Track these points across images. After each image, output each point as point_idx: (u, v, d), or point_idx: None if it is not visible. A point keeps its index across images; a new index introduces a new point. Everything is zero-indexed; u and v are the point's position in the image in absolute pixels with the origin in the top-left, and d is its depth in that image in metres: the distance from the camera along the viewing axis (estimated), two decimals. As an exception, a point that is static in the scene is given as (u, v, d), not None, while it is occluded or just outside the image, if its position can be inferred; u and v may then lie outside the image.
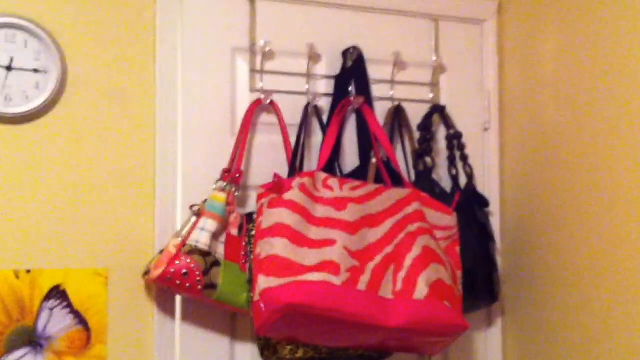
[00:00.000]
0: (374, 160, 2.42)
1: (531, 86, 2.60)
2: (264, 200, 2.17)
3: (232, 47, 2.44)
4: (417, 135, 2.60)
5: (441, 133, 2.67)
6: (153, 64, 2.35)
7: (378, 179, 2.40)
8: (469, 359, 2.73)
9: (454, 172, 2.63)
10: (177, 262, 2.16)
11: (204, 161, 2.37)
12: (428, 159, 2.57)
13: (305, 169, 2.41)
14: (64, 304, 2.21)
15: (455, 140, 2.64)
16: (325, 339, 2.17)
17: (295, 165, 2.38)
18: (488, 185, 2.73)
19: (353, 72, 2.50)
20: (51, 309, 2.20)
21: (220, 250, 2.25)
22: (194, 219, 2.25)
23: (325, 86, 2.53)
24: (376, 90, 2.55)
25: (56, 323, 2.20)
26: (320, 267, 2.04)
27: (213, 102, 2.41)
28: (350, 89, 2.48)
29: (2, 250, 2.18)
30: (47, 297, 2.20)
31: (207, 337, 2.36)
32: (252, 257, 2.19)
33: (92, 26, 2.29)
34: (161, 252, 2.21)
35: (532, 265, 2.58)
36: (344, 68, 2.51)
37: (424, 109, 2.63)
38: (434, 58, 2.66)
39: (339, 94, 2.47)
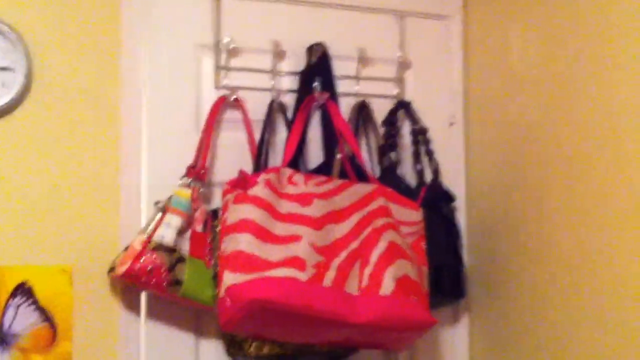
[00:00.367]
0: (339, 156, 2.42)
1: (497, 81, 2.61)
2: (229, 196, 2.17)
3: (197, 44, 2.44)
4: (382, 130, 2.60)
5: (406, 128, 2.67)
6: (118, 61, 2.35)
7: (343, 175, 2.40)
8: (435, 355, 2.73)
9: (419, 167, 2.63)
10: (142, 259, 2.16)
11: (169, 158, 2.37)
12: (393, 155, 2.57)
13: (270, 165, 2.41)
14: (30, 301, 2.20)
15: (420, 135, 2.64)
16: (291, 335, 2.18)
17: (260, 161, 2.38)
18: (454, 180, 2.73)
19: (318, 68, 2.50)
20: (17, 306, 2.19)
21: (185, 246, 2.25)
22: (159, 215, 2.25)
23: (290, 82, 2.53)
24: (341, 86, 2.55)
25: (22, 320, 2.19)
26: (286, 262, 2.05)
27: (178, 98, 2.41)
28: (315, 85, 2.47)
29: (-33, 248, 2.18)
30: (13, 295, 2.19)
31: (172, 334, 2.36)
32: (217, 253, 2.19)
33: (57, 24, 2.28)
34: (126, 248, 2.20)
35: (498, 261, 2.58)
36: (308, 64, 2.51)
37: (389, 104, 2.63)
38: (399, 54, 2.67)
39: (304, 90, 2.47)
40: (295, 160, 2.37)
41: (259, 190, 2.14)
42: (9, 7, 2.23)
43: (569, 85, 2.26)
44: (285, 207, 2.15)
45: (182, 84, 2.42)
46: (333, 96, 2.47)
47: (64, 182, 2.27)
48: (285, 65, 2.54)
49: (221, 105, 2.42)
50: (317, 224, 2.15)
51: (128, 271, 2.15)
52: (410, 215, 2.36)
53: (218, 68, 2.45)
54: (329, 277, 2.08)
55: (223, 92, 2.43)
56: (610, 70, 2.09)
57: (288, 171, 2.24)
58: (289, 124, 2.44)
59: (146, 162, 2.36)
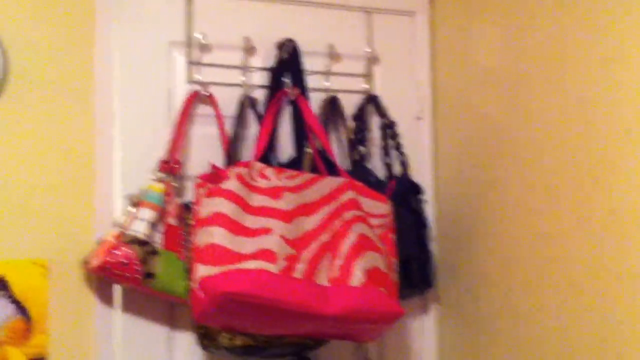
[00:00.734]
0: (309, 150, 2.45)
1: (463, 76, 2.64)
2: (201, 190, 2.19)
3: (170, 40, 2.46)
4: (351, 125, 2.63)
5: (375, 123, 2.68)
6: (91, 55, 2.36)
7: (313, 169, 2.43)
8: (405, 345, 2.76)
9: (388, 160, 2.65)
10: (116, 252, 2.17)
11: (142, 152, 2.39)
12: (363, 148, 2.60)
13: (242, 159, 2.42)
14: (5, 294, 2.20)
15: (389, 129, 2.67)
16: (263, 326, 2.19)
17: (232, 155, 2.40)
18: (422, 173, 2.75)
19: (288, 64, 2.51)
20: (-8, 300, 2.20)
21: (158, 239, 2.27)
22: (132, 209, 2.26)
23: (261, 78, 2.54)
24: (311, 82, 2.56)
25: (-3, 313, 2.21)
26: (258, 255, 2.06)
27: (151, 93, 2.43)
28: (285, 80, 2.49)
29: (-58, 242, 2.18)
30: (-12, 288, 2.20)
31: (146, 326, 2.38)
32: (190, 246, 2.20)
33: (31, 19, 2.29)
34: (100, 242, 2.21)
35: (466, 252, 2.61)
36: (279, 60, 2.52)
37: (358, 99, 2.66)
38: (368, 50, 2.69)
39: (275, 86, 2.49)
40: (266, 155, 2.39)
41: (230, 184, 2.15)
42: (-18, 4, 2.24)
43: (531, 79, 2.28)
44: (257, 200, 2.17)
45: (154, 80, 2.43)
46: (303, 91, 2.49)
47: (38, 177, 2.27)
48: (256, 61, 2.55)
49: (193, 100, 2.43)
50: (288, 217, 2.16)
51: (102, 264, 2.16)
52: (379, 207, 2.38)
53: (190, 64, 2.47)
54: (300, 269, 2.10)
55: (195, 87, 2.44)
56: (571, 64, 2.12)
57: (259, 165, 2.25)
58: (260, 119, 2.45)
59: (120, 157, 2.37)
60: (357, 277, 2.15)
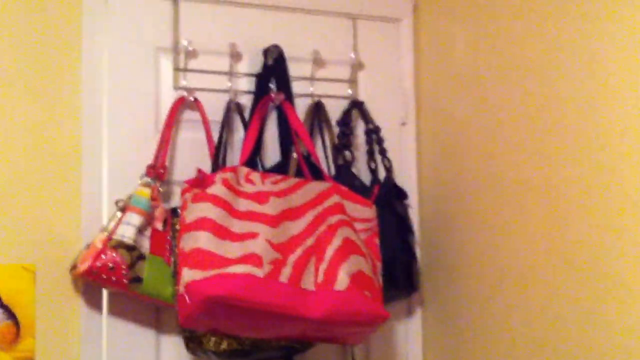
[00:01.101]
0: (294, 155, 2.46)
1: (446, 82, 2.65)
2: (187, 195, 2.19)
3: (156, 46, 2.47)
4: (336, 130, 2.63)
5: (360, 128, 2.70)
6: (79, 61, 2.37)
7: (299, 174, 2.44)
8: (390, 348, 2.76)
9: (372, 165, 2.66)
10: (103, 257, 2.18)
11: (129, 157, 2.39)
12: (347, 153, 2.60)
13: (228, 164, 2.42)
14: (-7, 298, 2.22)
15: (373, 134, 2.67)
16: (248, 330, 2.20)
17: (218, 160, 2.40)
18: (406, 178, 2.76)
19: (274, 69, 2.53)
20: (-20, 304, 2.20)
21: (145, 244, 2.26)
22: (119, 214, 2.26)
23: (247, 84, 2.55)
24: (296, 87, 2.58)
25: (-15, 318, 2.21)
26: (243, 259, 2.07)
27: (138, 99, 2.44)
28: (271, 86, 2.51)
29: None
30: (-24, 293, 2.20)
31: (133, 330, 2.38)
32: (176, 250, 2.21)
33: (18, 25, 2.30)
34: (87, 247, 2.22)
35: (449, 256, 2.62)
36: (265, 66, 2.53)
37: (343, 104, 2.66)
38: (352, 56, 2.69)
39: (260, 91, 2.50)
40: (253, 160, 2.40)
41: (216, 189, 2.16)
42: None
43: (513, 85, 2.30)
44: (243, 205, 2.18)
45: (141, 85, 2.44)
46: (289, 97, 2.50)
47: (25, 182, 2.28)
48: (242, 67, 2.56)
49: (180, 105, 2.44)
50: (274, 221, 2.17)
51: (89, 269, 2.17)
52: (364, 212, 2.39)
53: (177, 70, 2.48)
54: (285, 273, 2.11)
55: (182, 93, 2.45)
56: (551, 71, 2.15)
57: (245, 170, 2.27)
58: (246, 124, 2.46)
59: (107, 162, 2.38)
60: (342, 281, 2.16)
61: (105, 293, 2.35)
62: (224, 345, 2.29)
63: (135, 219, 2.26)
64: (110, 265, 2.18)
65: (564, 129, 2.10)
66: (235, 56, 2.54)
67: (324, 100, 2.63)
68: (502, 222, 2.36)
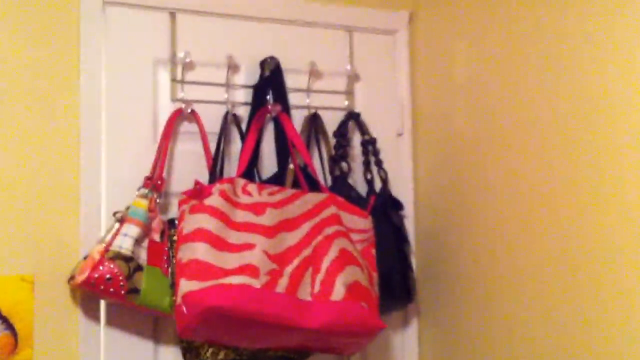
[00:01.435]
0: (291, 166, 2.47)
1: (442, 93, 2.66)
2: (185, 206, 2.20)
3: (154, 59, 2.48)
4: (333, 141, 2.64)
5: (356, 139, 2.70)
6: (77, 74, 2.37)
7: (296, 185, 2.44)
8: (386, 358, 2.76)
9: (369, 176, 2.66)
10: (101, 268, 2.18)
11: (127, 169, 2.40)
12: (344, 164, 2.61)
13: (225, 175, 2.43)
14: (-9, 310, 2.22)
15: (370, 145, 2.68)
16: (245, 340, 2.21)
17: (216, 172, 2.41)
18: (402, 189, 2.76)
19: (271, 81, 2.53)
20: (-21, 316, 2.21)
21: (143, 255, 2.27)
22: (117, 225, 2.26)
23: (244, 95, 2.56)
24: (293, 99, 2.59)
25: (-16, 329, 2.21)
26: (241, 270, 2.08)
27: (136, 111, 2.44)
28: (268, 97, 2.51)
29: None
30: (-25, 304, 2.20)
31: (131, 341, 2.39)
32: (174, 261, 2.22)
33: (16, 37, 2.30)
34: (85, 258, 2.22)
35: (445, 266, 2.63)
36: (262, 77, 2.54)
37: (340, 116, 2.67)
38: (349, 67, 2.71)
39: (257, 103, 2.50)
40: (250, 171, 2.40)
41: (214, 200, 2.17)
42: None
43: (509, 96, 2.32)
44: (240, 216, 2.19)
45: (139, 97, 2.45)
46: (286, 108, 2.51)
47: (24, 192, 2.28)
48: (239, 79, 2.57)
49: (177, 117, 2.45)
50: (271, 232, 2.18)
51: (87, 280, 2.17)
52: (361, 223, 2.40)
53: (174, 81, 2.49)
54: (282, 284, 2.12)
55: (179, 104, 2.46)
56: (550, 81, 2.16)
57: (242, 181, 2.27)
58: (243, 136, 2.47)
59: (105, 173, 2.39)
60: (338, 292, 2.16)
61: (103, 304, 2.36)
62: (221, 356, 2.31)
63: (132, 230, 2.26)
64: (108, 276, 2.18)
65: (563, 139, 2.11)
66: (233, 68, 2.55)
67: (321, 112, 2.65)
68: (499, 232, 2.37)
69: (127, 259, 2.23)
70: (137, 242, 2.27)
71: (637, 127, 1.88)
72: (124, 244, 2.24)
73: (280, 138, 2.52)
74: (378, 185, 2.67)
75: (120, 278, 2.19)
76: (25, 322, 2.25)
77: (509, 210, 2.32)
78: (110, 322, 2.37)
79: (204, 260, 2.08)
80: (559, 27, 2.13)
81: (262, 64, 2.56)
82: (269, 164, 2.56)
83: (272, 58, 2.56)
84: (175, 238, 2.27)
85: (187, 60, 2.48)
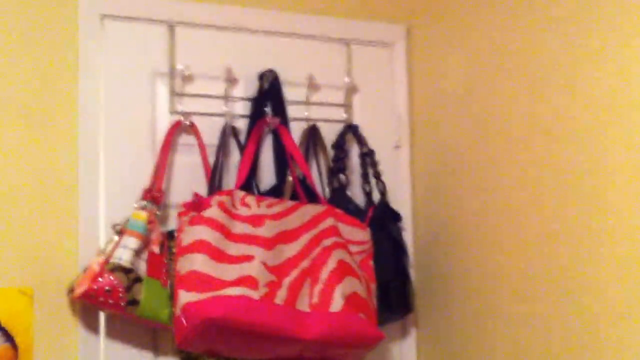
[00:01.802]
0: (290, 178, 2.48)
1: (439, 105, 2.67)
2: (184, 218, 2.21)
3: (153, 71, 2.49)
4: (331, 153, 2.65)
5: (354, 151, 2.71)
6: (76, 86, 2.38)
7: (294, 196, 2.45)
8: (385, 369, 2.77)
9: (367, 188, 2.66)
10: (100, 280, 2.18)
11: (126, 181, 2.41)
12: (342, 176, 2.61)
13: (224, 187, 2.44)
14: (-9, 322, 2.22)
15: (368, 157, 2.68)
16: (244, 351, 2.21)
17: (214, 184, 2.41)
18: (400, 200, 2.77)
19: (269, 94, 2.54)
20: (-22, 328, 2.21)
21: (142, 267, 2.27)
22: (116, 237, 2.27)
23: (243, 108, 2.57)
24: (291, 111, 2.60)
25: (-16, 341, 2.21)
26: (239, 282, 2.08)
27: (134, 123, 2.45)
28: (266, 110, 2.52)
29: None
30: (-25, 316, 2.21)
31: (130, 353, 2.39)
32: (173, 273, 2.22)
33: (16, 50, 2.31)
34: (85, 270, 2.23)
35: (443, 277, 2.63)
36: (260, 90, 2.55)
37: (338, 128, 2.68)
38: (347, 80, 2.72)
39: (256, 115, 2.51)
40: (248, 183, 2.41)
41: (212, 212, 2.18)
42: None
43: (507, 108, 2.33)
44: (238, 228, 2.19)
45: (138, 110, 2.46)
46: (284, 121, 2.52)
47: (23, 205, 2.29)
48: (238, 91, 2.58)
49: (176, 129, 2.46)
50: (269, 244, 2.19)
51: (86, 292, 2.17)
52: (359, 234, 2.41)
53: (173, 94, 2.49)
54: (281, 295, 2.13)
55: (178, 117, 2.47)
56: (547, 93, 2.17)
57: (241, 193, 2.28)
58: (242, 148, 2.48)
59: (104, 185, 2.39)
60: (336, 303, 2.17)
61: (102, 315, 2.36)
62: (220, 367, 2.30)
63: (132, 242, 2.26)
64: (107, 288, 2.18)
65: (559, 151, 2.12)
66: (231, 80, 2.56)
67: (319, 124, 2.66)
68: (497, 244, 2.37)
69: (127, 271, 2.23)
70: (137, 253, 2.27)
71: (629, 135, 1.90)
72: (124, 255, 2.24)
73: (279, 150, 2.53)
74: (376, 197, 2.68)
75: (120, 290, 2.20)
76: (25, 334, 2.25)
77: (507, 221, 2.32)
78: (109, 333, 2.37)
79: (203, 272, 2.08)
80: (556, 38, 2.14)
81: (261, 76, 2.57)
82: (267, 176, 2.56)
83: (270, 71, 2.57)
84: (174, 250, 2.27)
85: (186, 72, 2.49)
